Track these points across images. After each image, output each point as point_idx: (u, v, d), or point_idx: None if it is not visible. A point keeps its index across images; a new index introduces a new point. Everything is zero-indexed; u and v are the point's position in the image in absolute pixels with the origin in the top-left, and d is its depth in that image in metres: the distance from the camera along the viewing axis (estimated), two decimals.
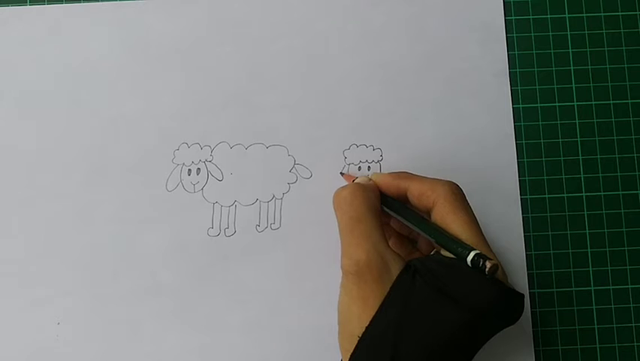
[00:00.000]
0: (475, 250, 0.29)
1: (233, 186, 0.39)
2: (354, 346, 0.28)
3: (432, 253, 0.32)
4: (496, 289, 0.29)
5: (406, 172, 0.34)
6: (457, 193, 0.31)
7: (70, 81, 0.41)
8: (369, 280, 0.29)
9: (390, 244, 0.35)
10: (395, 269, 0.29)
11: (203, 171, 0.39)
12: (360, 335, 0.28)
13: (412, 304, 0.28)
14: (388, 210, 0.34)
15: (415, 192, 0.32)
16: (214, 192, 0.39)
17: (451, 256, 0.30)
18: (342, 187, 0.33)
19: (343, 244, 0.31)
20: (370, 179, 0.35)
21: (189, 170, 0.39)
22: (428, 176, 0.34)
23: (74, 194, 0.39)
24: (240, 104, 0.40)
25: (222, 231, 0.39)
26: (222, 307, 0.38)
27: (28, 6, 0.42)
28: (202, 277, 0.38)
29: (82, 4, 0.42)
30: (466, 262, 0.29)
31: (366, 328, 0.28)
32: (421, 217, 0.32)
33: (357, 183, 0.33)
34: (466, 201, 0.32)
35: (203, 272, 0.38)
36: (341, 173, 0.39)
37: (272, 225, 0.39)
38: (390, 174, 0.34)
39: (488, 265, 0.28)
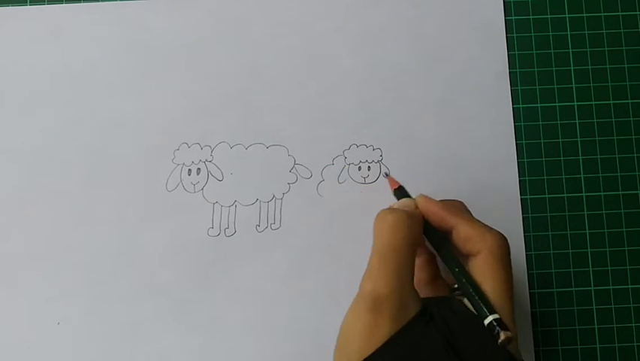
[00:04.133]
0: (495, 314, 0.28)
1: (233, 186, 0.39)
2: None
3: (455, 286, 0.32)
4: (504, 360, 0.28)
5: (457, 203, 0.33)
6: (504, 248, 0.30)
7: (71, 81, 0.41)
8: (385, 314, 0.28)
9: (419, 263, 0.34)
10: (412, 311, 0.29)
11: (204, 171, 0.39)
12: None
13: (418, 351, 0.28)
14: (427, 241, 0.33)
15: (462, 235, 0.31)
16: (214, 192, 0.39)
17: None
18: (389, 211, 0.32)
19: (372, 266, 0.30)
20: (416, 203, 0.33)
21: (189, 170, 0.39)
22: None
23: (74, 194, 0.39)
24: (240, 104, 0.40)
25: (222, 231, 0.39)
26: (222, 307, 0.38)
27: (28, 6, 0.42)
28: (202, 277, 0.38)
29: (82, 3, 0.42)
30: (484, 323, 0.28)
31: (365, 359, 0.28)
32: (457, 262, 0.31)
33: (406, 212, 0.32)
34: (509, 257, 0.31)
35: (203, 272, 0.38)
36: (385, 174, 0.38)
37: (272, 225, 0.39)
38: (439, 203, 0.32)
39: (502, 336, 0.27)
